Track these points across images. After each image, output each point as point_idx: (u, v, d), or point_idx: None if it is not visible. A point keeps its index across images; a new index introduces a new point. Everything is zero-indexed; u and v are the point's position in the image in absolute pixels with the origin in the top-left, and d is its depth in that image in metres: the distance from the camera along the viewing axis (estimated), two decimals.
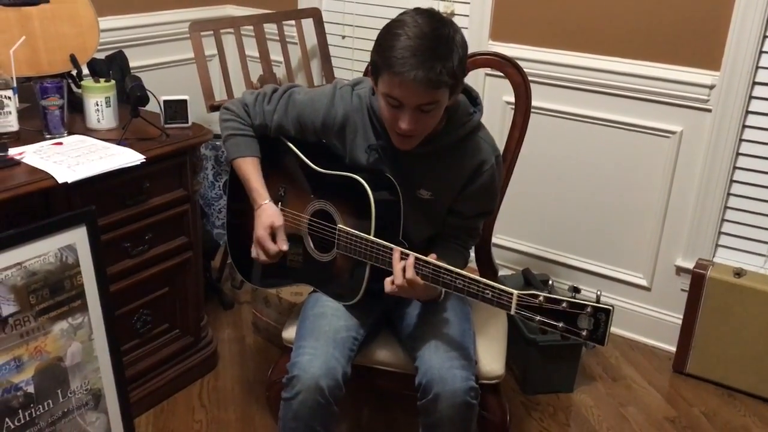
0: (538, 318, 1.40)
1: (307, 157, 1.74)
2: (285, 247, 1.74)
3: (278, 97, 1.74)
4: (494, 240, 2.91)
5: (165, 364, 2.29)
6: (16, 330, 1.76)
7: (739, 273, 2.39)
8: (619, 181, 2.62)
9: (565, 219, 2.78)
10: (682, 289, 2.55)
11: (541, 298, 1.39)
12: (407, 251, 1.53)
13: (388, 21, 1.55)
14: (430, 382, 1.55)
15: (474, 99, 1.69)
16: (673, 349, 2.57)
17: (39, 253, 1.78)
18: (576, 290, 1.42)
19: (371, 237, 1.58)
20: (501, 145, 2.05)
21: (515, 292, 1.42)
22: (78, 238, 1.87)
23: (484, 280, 1.45)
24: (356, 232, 1.60)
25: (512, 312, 1.43)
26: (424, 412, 1.59)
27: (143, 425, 2.19)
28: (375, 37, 1.55)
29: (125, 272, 2.08)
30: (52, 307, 1.83)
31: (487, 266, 2.14)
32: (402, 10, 1.55)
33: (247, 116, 1.78)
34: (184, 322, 2.33)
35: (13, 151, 1.89)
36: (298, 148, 1.76)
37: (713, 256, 2.52)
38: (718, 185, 2.44)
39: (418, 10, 1.52)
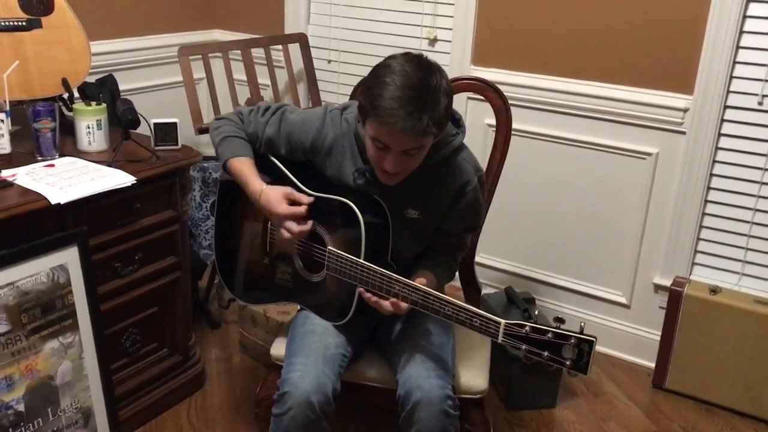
0: (524, 347, 1.46)
1: (296, 178, 1.78)
2: (310, 201, 1.70)
3: (271, 113, 1.79)
4: (478, 259, 2.97)
5: (154, 383, 2.31)
6: (8, 349, 1.79)
7: (714, 290, 2.46)
8: (598, 201, 2.70)
9: (546, 238, 2.84)
10: (660, 307, 2.62)
11: (527, 328, 1.44)
12: (391, 275, 1.58)
13: (377, 64, 1.59)
14: (408, 392, 1.60)
15: (457, 121, 1.76)
16: (652, 365, 2.63)
17: (31, 273, 1.82)
18: (560, 320, 1.47)
19: (361, 261, 1.62)
20: (483, 166, 2.12)
21: (503, 321, 1.47)
22: (69, 258, 1.90)
23: (473, 308, 1.50)
24: (347, 255, 1.65)
25: (499, 340, 1.48)
26: (405, 424, 1.63)
27: None
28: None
29: (115, 292, 2.11)
30: (43, 326, 1.86)
31: (472, 285, 2.19)
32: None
33: (240, 122, 1.82)
34: (173, 341, 2.36)
35: (5, 173, 1.93)
36: (287, 169, 1.80)
37: (690, 274, 2.59)
38: (693, 205, 2.51)
39: (407, 57, 1.56)
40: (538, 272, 2.90)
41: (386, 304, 1.57)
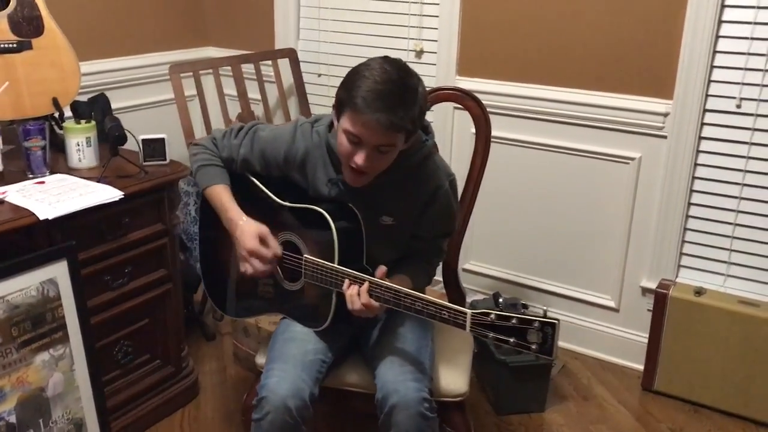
0: (491, 335, 1.49)
1: (272, 192, 1.83)
2: (279, 251, 1.77)
3: (244, 133, 1.84)
4: (467, 266, 3.03)
5: (146, 394, 2.35)
6: None
7: (699, 292, 2.48)
8: (584, 206, 2.73)
9: (535, 244, 2.88)
10: (649, 309, 2.64)
11: (492, 316, 1.48)
12: (363, 276, 1.61)
13: (357, 64, 1.65)
14: (385, 396, 1.63)
15: (425, 128, 1.80)
16: (641, 367, 2.65)
17: (21, 286, 1.87)
18: (524, 306, 1.50)
19: (335, 265, 1.66)
20: (465, 173, 2.17)
21: (469, 311, 1.51)
22: (59, 272, 1.95)
23: (441, 301, 1.54)
24: (321, 261, 1.69)
25: (467, 330, 1.51)
26: (383, 428, 1.66)
27: None
28: None
29: (106, 304, 2.15)
30: (34, 339, 1.91)
31: (456, 291, 2.22)
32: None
33: (215, 148, 1.87)
34: (165, 352, 2.40)
35: None
36: (263, 184, 1.85)
37: (676, 277, 2.62)
38: (676, 208, 2.54)
39: (386, 59, 1.62)
40: (528, 278, 2.93)
41: (358, 304, 1.60)
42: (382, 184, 1.72)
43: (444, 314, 1.53)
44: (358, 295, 1.59)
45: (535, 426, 2.44)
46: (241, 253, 1.76)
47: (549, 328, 1.44)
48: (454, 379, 1.84)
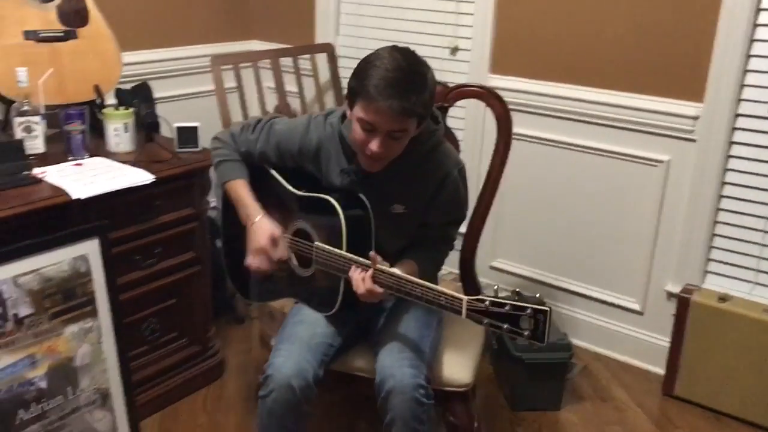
0: (486, 321, 1.52)
1: (287, 182, 1.90)
2: (286, 255, 1.87)
3: (261, 127, 1.92)
4: (495, 264, 3.05)
5: (172, 371, 2.46)
6: (31, 330, 1.96)
7: (723, 298, 2.45)
8: (612, 207, 2.72)
9: (562, 244, 2.88)
10: (673, 314, 2.62)
11: (487, 302, 1.51)
12: (366, 262, 1.67)
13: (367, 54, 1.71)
14: (382, 381, 1.68)
15: (435, 118, 1.85)
16: (663, 372, 2.63)
17: (54, 261, 1.99)
18: (518, 294, 1.53)
19: (343, 252, 1.72)
20: (477, 170, 2.20)
21: (465, 297, 1.54)
22: (91, 249, 2.06)
23: (439, 287, 1.58)
24: (330, 248, 1.75)
25: (463, 316, 1.55)
26: (381, 412, 1.71)
27: (149, 427, 2.35)
28: None
29: (135, 283, 2.26)
30: (64, 311, 2.02)
31: (471, 285, 2.26)
32: (411, 45, 1.72)
33: (234, 144, 1.95)
34: (192, 332, 2.50)
35: (37, 171, 2.11)
36: (279, 174, 1.93)
37: (702, 282, 2.59)
38: (704, 213, 2.51)
39: (395, 48, 1.68)
40: (554, 277, 2.93)
41: (362, 288, 1.65)
42: (393, 173, 1.77)
43: (441, 300, 1.57)
44: (363, 280, 1.64)
45: (549, 423, 2.45)
46: (252, 247, 1.86)
47: (541, 315, 1.46)
48: (459, 369, 1.88)
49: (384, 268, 1.64)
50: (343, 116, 1.81)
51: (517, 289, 1.54)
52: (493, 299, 1.50)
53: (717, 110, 2.41)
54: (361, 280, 1.65)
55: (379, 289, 1.64)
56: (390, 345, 1.74)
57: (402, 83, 1.60)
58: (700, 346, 2.49)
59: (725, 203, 2.50)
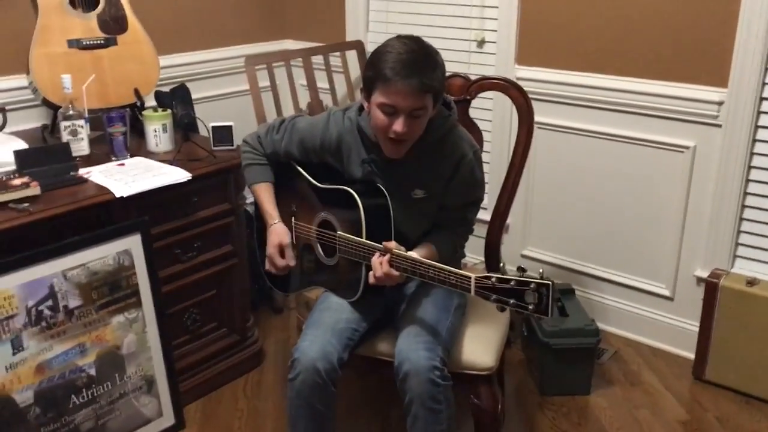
0: (493, 297, 1.59)
1: (311, 176, 2.01)
2: (292, 263, 2.02)
3: (284, 127, 2.02)
4: (525, 252, 3.10)
5: (213, 359, 2.58)
6: (81, 320, 2.09)
7: (752, 282, 2.46)
8: (640, 194, 2.74)
9: (591, 231, 2.91)
10: (702, 299, 2.63)
11: (493, 279, 1.58)
12: (381, 247, 1.75)
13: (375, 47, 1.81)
14: (400, 363, 1.76)
15: (448, 104, 1.93)
16: (693, 356, 2.65)
17: (100, 256, 2.12)
18: (522, 270, 1.59)
19: (363, 240, 1.81)
20: (507, 160, 2.26)
21: (473, 275, 1.62)
22: (133, 244, 2.19)
23: (450, 268, 1.66)
24: (352, 236, 1.84)
25: (472, 293, 1.62)
26: (401, 394, 1.79)
27: (192, 411, 2.48)
28: None
29: (176, 275, 2.39)
30: (110, 303, 2.16)
31: (495, 270, 2.31)
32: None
33: (260, 147, 2.07)
34: (231, 321, 2.62)
35: (82, 171, 2.24)
36: (304, 169, 2.03)
37: (731, 267, 2.60)
38: (731, 198, 2.52)
39: (400, 36, 1.79)
40: (583, 264, 2.97)
41: (379, 272, 1.73)
42: (411, 159, 1.85)
43: (452, 279, 1.65)
44: (380, 264, 1.73)
45: (578, 407, 2.50)
46: (267, 251, 2.03)
47: (544, 289, 1.53)
48: (481, 353, 1.95)
49: (400, 252, 1.73)
50: (360, 109, 1.90)
51: (521, 266, 1.60)
52: (499, 276, 1.57)
53: (741, 95, 2.42)
54: (378, 264, 1.74)
55: (396, 272, 1.72)
56: (408, 329, 1.83)
57: (417, 63, 1.70)
58: (729, 330, 2.51)
59: (752, 187, 2.51)
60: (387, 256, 1.72)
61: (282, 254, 2.01)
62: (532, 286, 1.53)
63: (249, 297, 2.71)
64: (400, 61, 1.69)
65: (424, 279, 1.70)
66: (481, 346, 1.97)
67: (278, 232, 2.01)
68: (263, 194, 2.06)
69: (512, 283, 1.56)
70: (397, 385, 1.79)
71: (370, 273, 1.76)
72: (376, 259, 1.75)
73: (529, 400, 2.53)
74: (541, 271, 1.57)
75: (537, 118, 2.83)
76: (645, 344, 2.84)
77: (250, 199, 2.78)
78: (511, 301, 1.56)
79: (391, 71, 1.69)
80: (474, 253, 2.54)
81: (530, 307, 1.54)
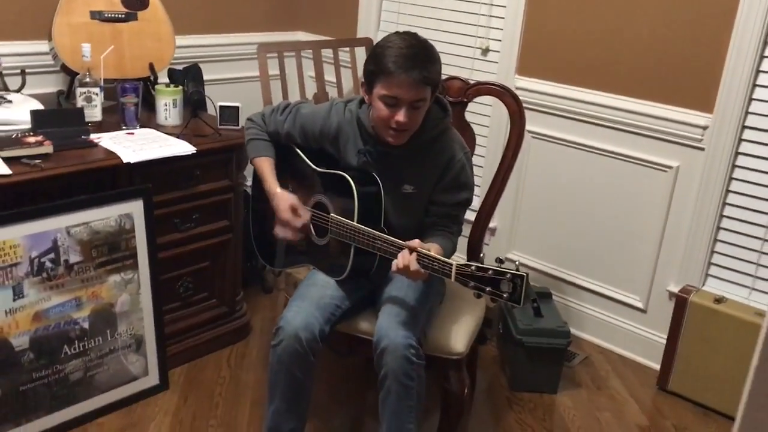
0: (471, 283, 1.71)
1: (309, 160, 2.12)
2: (308, 217, 2.08)
3: (288, 110, 2.14)
4: (510, 255, 3.21)
5: (201, 327, 2.69)
6: (79, 276, 2.21)
7: (719, 300, 2.58)
8: (622, 208, 2.86)
9: (573, 240, 3.03)
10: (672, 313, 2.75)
11: (473, 267, 1.70)
12: (380, 235, 1.86)
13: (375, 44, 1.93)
14: (378, 340, 1.88)
15: (444, 106, 2.05)
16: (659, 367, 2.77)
17: (103, 216, 2.24)
18: (500, 261, 1.71)
19: (355, 223, 1.93)
20: (495, 164, 2.37)
21: (454, 262, 1.74)
22: (135, 209, 2.31)
23: (434, 255, 1.78)
24: (344, 219, 1.96)
25: (452, 278, 1.74)
26: (377, 368, 1.90)
27: (176, 375, 2.59)
28: None
29: (173, 243, 2.50)
30: (109, 262, 2.27)
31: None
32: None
33: (264, 124, 2.19)
34: (221, 294, 2.74)
35: (93, 136, 2.36)
36: (303, 153, 2.15)
37: (702, 285, 2.71)
38: (708, 218, 2.64)
39: (398, 32, 1.92)
40: (564, 272, 3.09)
41: (407, 264, 1.80)
42: (405, 155, 1.97)
43: (435, 265, 1.77)
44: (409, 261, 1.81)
45: (544, 405, 2.61)
46: (278, 219, 2.09)
47: (519, 280, 1.65)
48: (454, 339, 2.06)
49: (388, 237, 1.85)
50: (361, 102, 2.01)
51: (499, 257, 1.71)
52: (478, 265, 1.69)
53: (725, 121, 2.54)
54: (407, 262, 1.80)
55: (422, 270, 1.80)
56: (388, 309, 1.94)
57: (418, 56, 1.83)
58: (694, 344, 2.62)
59: (728, 210, 2.63)
60: (415, 255, 1.80)
61: (296, 214, 2.07)
62: (508, 276, 1.65)
63: (240, 273, 2.82)
64: (401, 55, 1.81)
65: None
66: (454, 333, 2.09)
67: (285, 197, 2.07)
68: (265, 167, 2.15)
69: (490, 272, 1.68)
70: (374, 360, 1.90)
71: (394, 263, 1.82)
72: (406, 257, 1.80)
73: (498, 394, 2.65)
74: (516, 263, 1.69)
75: (532, 127, 2.97)
76: (615, 352, 2.96)
77: (250, 182, 2.90)
78: (488, 288, 1.68)
79: (394, 65, 1.81)
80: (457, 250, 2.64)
81: (505, 295, 1.65)
